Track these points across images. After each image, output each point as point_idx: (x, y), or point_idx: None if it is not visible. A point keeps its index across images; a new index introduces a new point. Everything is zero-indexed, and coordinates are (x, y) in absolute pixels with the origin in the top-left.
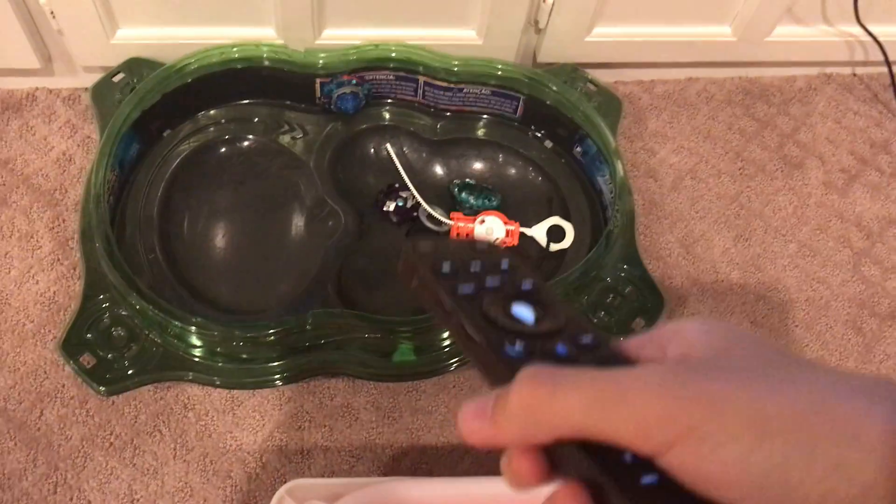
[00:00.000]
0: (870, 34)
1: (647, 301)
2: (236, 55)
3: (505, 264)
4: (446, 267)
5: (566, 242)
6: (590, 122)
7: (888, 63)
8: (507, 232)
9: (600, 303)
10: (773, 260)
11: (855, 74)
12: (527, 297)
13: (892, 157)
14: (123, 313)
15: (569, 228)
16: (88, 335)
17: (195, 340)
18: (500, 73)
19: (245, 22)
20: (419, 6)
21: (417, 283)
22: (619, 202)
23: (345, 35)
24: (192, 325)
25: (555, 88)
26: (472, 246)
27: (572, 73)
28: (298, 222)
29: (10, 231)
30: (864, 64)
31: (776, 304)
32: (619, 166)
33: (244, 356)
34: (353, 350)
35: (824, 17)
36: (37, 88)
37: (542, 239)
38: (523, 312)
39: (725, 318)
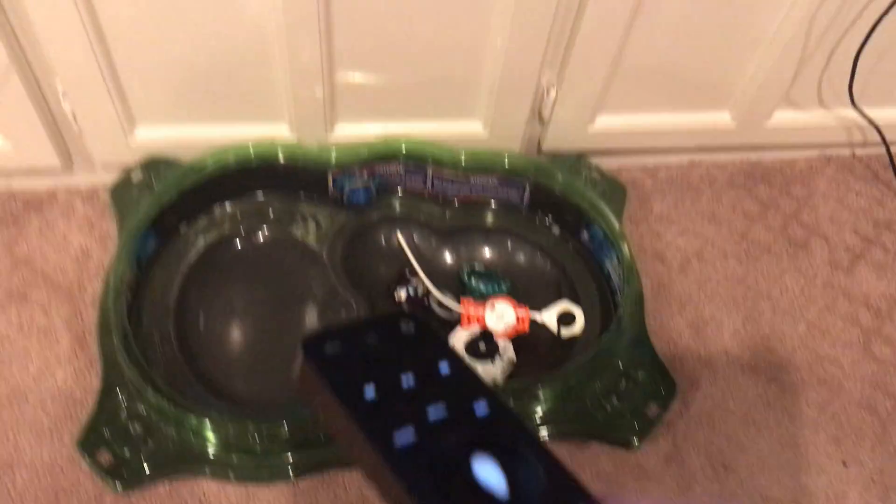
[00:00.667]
0: (866, 117)
1: (660, 386)
2: (252, 153)
3: (445, 368)
4: (369, 392)
5: (577, 328)
6: (595, 208)
7: (886, 144)
8: (518, 317)
9: (613, 389)
10: (783, 341)
11: (854, 155)
12: (484, 436)
13: None
14: (140, 409)
15: (579, 313)
16: (105, 431)
17: (210, 435)
18: (506, 163)
19: (259, 120)
20: (426, 101)
21: (321, 406)
22: (628, 286)
23: (356, 130)
24: (207, 420)
25: (560, 177)
26: (387, 328)
27: (577, 161)
28: (312, 313)
29: (30, 327)
30: (863, 145)
31: (788, 385)
32: (626, 249)
33: (259, 450)
34: None
35: (821, 101)
36: (57, 187)
37: (552, 324)
38: (490, 475)
39: (739, 400)
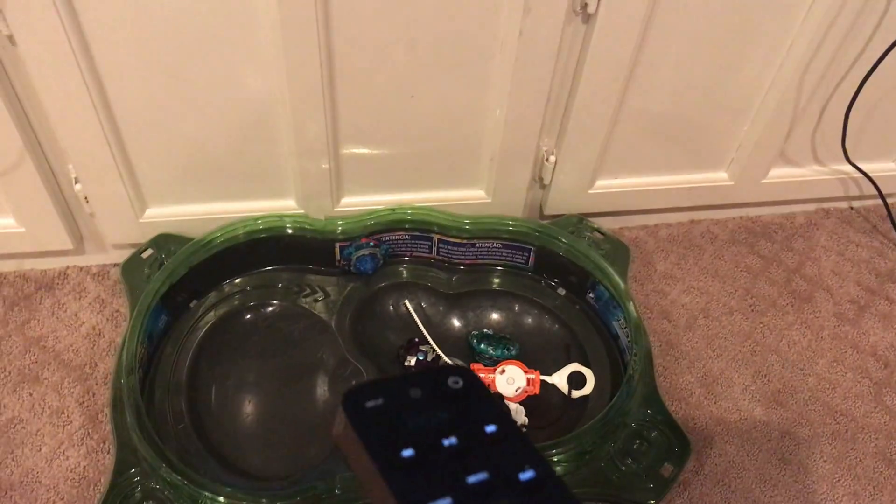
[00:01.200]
0: (860, 171)
1: (674, 445)
2: (261, 226)
3: (492, 429)
4: (406, 453)
5: (587, 389)
6: (600, 269)
7: (882, 196)
8: (528, 381)
9: (627, 449)
10: (794, 395)
11: (852, 208)
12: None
13: None
14: (154, 486)
15: (589, 375)
16: None
17: None
18: (510, 228)
19: (267, 196)
20: (429, 172)
21: (356, 464)
22: (636, 345)
23: (361, 202)
24: (221, 496)
25: (564, 239)
26: (433, 384)
27: (579, 223)
28: (323, 384)
29: (42, 408)
30: (860, 198)
31: (802, 439)
32: (632, 308)
33: None
34: None
35: (815, 157)
36: (68, 267)
37: (563, 386)
38: None
39: (753, 457)
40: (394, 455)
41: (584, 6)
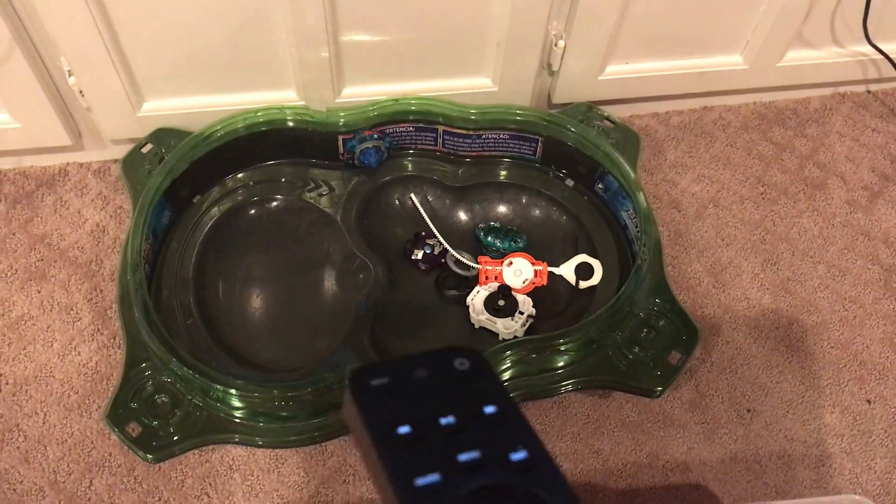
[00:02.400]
0: (881, 52)
1: (682, 333)
2: (261, 119)
3: (491, 410)
4: (403, 429)
5: (595, 279)
6: (609, 158)
7: None
8: (536, 272)
9: (635, 338)
10: (803, 282)
11: (869, 91)
12: (514, 485)
13: None
14: (166, 380)
15: (597, 265)
16: (133, 404)
17: (237, 402)
18: (518, 117)
19: (266, 87)
20: (434, 59)
21: (357, 438)
22: (645, 235)
23: (363, 92)
24: (233, 388)
25: (572, 129)
26: (439, 364)
27: (588, 111)
28: (330, 278)
29: (51, 305)
30: (878, 81)
31: (810, 326)
32: (642, 198)
33: (285, 415)
34: None
35: (834, 38)
36: (68, 163)
37: (570, 277)
38: None
39: (761, 344)
40: (390, 431)
41: None
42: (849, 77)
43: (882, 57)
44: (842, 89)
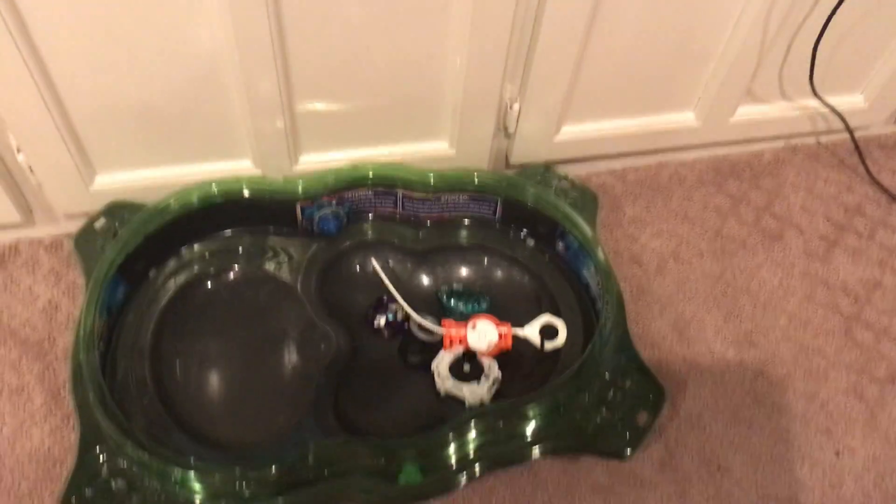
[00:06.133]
0: (828, 106)
1: (648, 392)
2: (216, 191)
3: None
4: None
5: (560, 340)
6: (568, 218)
7: (849, 130)
8: (500, 334)
9: (602, 399)
10: (766, 334)
11: (819, 143)
12: None
13: (868, 220)
14: (121, 463)
15: (561, 325)
16: (87, 491)
17: (196, 485)
18: (476, 180)
19: (221, 156)
20: (390, 125)
21: None
22: (607, 293)
23: (321, 159)
24: (192, 470)
25: (531, 189)
26: None
27: (545, 171)
28: (291, 349)
29: (1, 387)
30: (827, 133)
31: (775, 379)
32: (601, 254)
33: (248, 495)
34: (357, 477)
35: (783, 93)
36: (18, 239)
37: (535, 338)
38: None
39: (728, 399)
40: None
41: None
42: (799, 130)
43: (829, 110)
44: (793, 142)
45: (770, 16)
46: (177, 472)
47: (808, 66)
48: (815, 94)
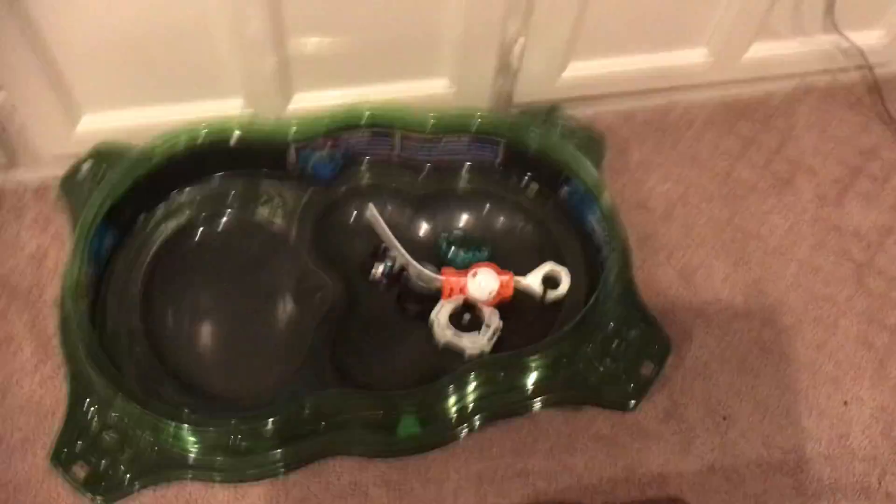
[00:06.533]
0: (848, 40)
1: (654, 342)
2: (205, 133)
3: None
4: None
5: (562, 289)
6: (573, 161)
7: (869, 67)
8: (502, 283)
9: (605, 350)
10: (776, 282)
11: (836, 81)
12: None
13: (884, 162)
14: (112, 417)
15: (564, 274)
16: (79, 443)
17: (190, 439)
18: (478, 120)
19: (212, 96)
20: (387, 62)
21: None
22: (612, 238)
23: (315, 99)
24: (186, 423)
25: (535, 132)
26: None
27: (550, 112)
28: (286, 298)
29: None
30: (844, 70)
31: (784, 327)
32: (607, 198)
33: (243, 449)
34: (355, 429)
35: (799, 28)
36: (4, 183)
37: (537, 288)
38: None
39: (735, 348)
40: None
41: None
42: (815, 67)
43: (849, 45)
44: (808, 80)
45: None
46: (170, 426)
47: None
48: (834, 27)
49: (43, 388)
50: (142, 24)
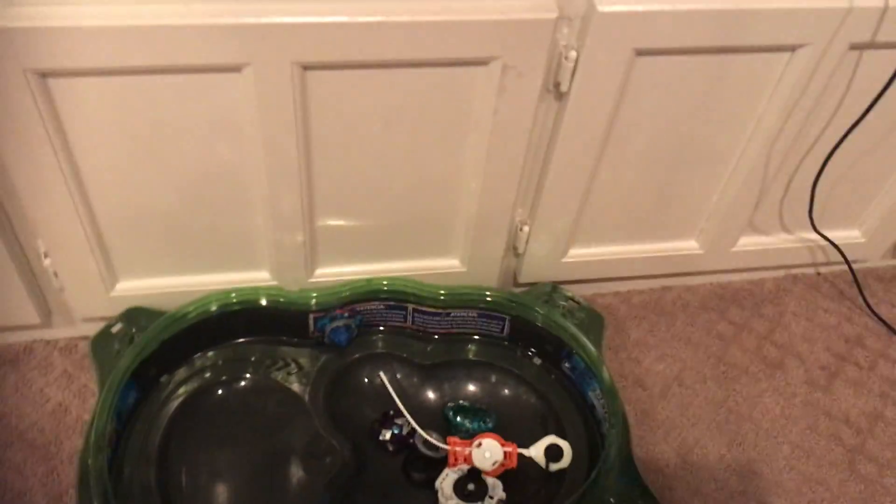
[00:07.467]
0: (827, 239)
1: None
2: (234, 300)
3: None
4: None
5: (565, 462)
6: (574, 338)
7: (848, 263)
8: (506, 454)
9: None
10: (769, 463)
11: (819, 273)
12: None
13: (868, 351)
14: None
15: (566, 447)
16: None
17: None
18: (486, 298)
19: (240, 268)
20: (405, 242)
21: None
22: (612, 414)
23: (336, 272)
24: None
25: (539, 310)
26: None
27: (552, 291)
28: (297, 461)
29: (3, 491)
30: (827, 264)
31: None
32: (606, 373)
33: None
34: None
35: (783, 226)
36: (34, 341)
37: (540, 459)
38: None
39: None
40: None
41: (557, 85)
42: (799, 261)
43: (828, 243)
44: (794, 271)
45: (771, 154)
46: None
47: (808, 201)
48: (814, 228)
49: None
50: (183, 201)
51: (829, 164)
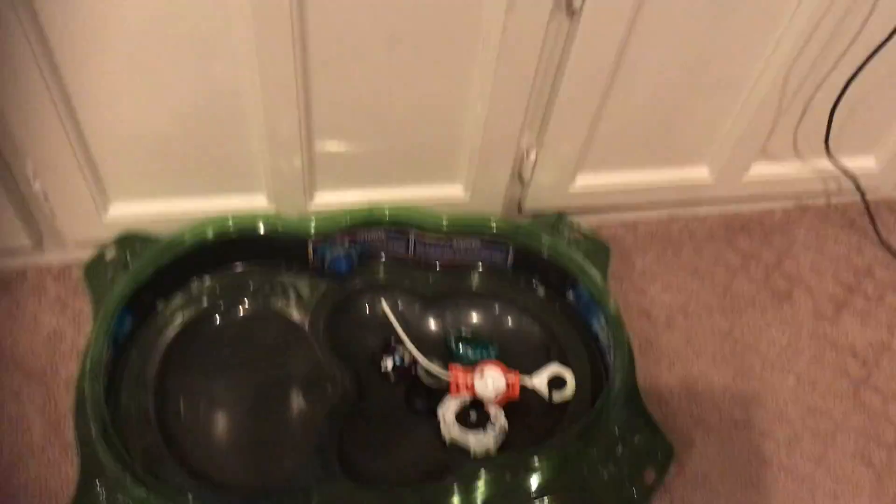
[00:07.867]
0: (841, 168)
1: (657, 449)
2: (231, 225)
3: None
4: None
5: (568, 391)
6: (580, 268)
7: (861, 192)
8: (508, 383)
9: (609, 454)
10: (774, 394)
11: (830, 203)
12: None
13: (877, 282)
14: (121, 499)
15: (569, 377)
16: None
17: None
18: (490, 227)
19: (236, 191)
20: (407, 167)
21: None
22: (616, 343)
23: (335, 198)
24: None
25: (544, 239)
26: None
27: (558, 220)
28: (297, 390)
29: (1, 417)
30: (838, 194)
31: (783, 440)
32: (612, 304)
33: None
34: None
35: (797, 153)
36: (27, 265)
37: (543, 388)
38: None
39: (735, 458)
40: None
41: (569, 1)
42: (811, 190)
43: (841, 172)
44: (804, 201)
45: (789, 77)
46: None
47: (825, 126)
48: (829, 154)
49: (49, 469)
50: (176, 120)
51: (850, 87)
